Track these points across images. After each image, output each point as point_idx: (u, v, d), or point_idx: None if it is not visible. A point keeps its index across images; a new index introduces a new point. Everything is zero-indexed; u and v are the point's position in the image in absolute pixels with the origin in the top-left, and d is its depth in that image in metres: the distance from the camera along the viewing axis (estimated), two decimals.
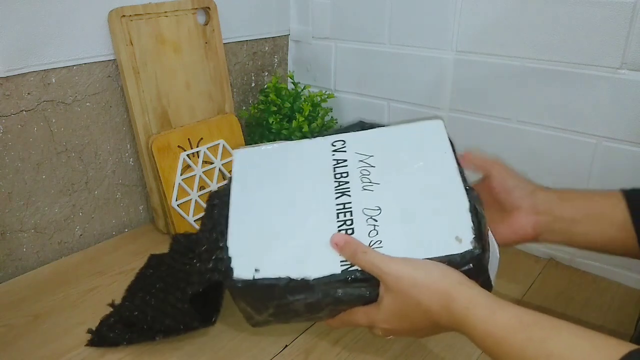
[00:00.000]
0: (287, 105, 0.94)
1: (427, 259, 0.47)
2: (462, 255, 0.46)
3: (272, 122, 0.93)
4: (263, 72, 1.07)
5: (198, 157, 0.86)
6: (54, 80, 0.75)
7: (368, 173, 0.54)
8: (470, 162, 0.59)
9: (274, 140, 0.95)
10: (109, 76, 0.81)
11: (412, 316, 0.46)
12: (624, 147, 0.72)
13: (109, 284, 0.74)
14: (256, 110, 0.98)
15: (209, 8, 0.88)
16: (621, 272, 0.76)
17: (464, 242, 0.47)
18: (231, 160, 0.90)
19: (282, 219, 0.53)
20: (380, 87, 0.97)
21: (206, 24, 0.89)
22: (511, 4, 0.76)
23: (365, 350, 0.62)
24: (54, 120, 0.76)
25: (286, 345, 0.63)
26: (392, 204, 0.51)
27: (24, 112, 0.73)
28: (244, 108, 1.04)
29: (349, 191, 0.53)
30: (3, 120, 0.71)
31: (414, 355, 0.61)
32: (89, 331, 0.63)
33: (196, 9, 0.86)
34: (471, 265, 0.46)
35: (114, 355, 0.61)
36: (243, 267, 0.49)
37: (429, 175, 0.53)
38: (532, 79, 0.77)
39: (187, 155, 0.84)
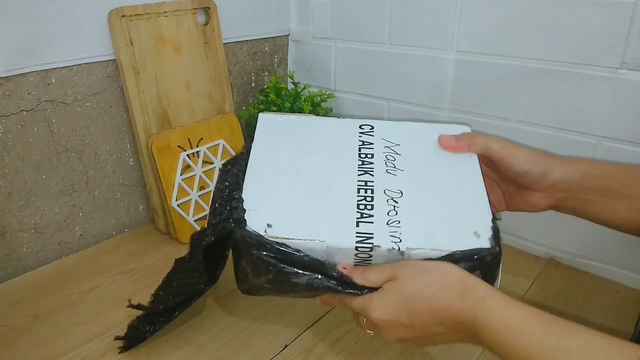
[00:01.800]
0: (287, 105, 0.94)
1: (443, 253, 0.46)
2: (480, 251, 0.46)
3: None
4: (263, 72, 1.07)
5: (198, 157, 0.86)
6: (54, 80, 0.75)
7: (393, 159, 0.54)
8: (468, 148, 0.55)
9: None
10: (109, 76, 0.81)
11: (413, 306, 0.44)
12: (624, 147, 0.72)
13: (109, 284, 0.75)
14: (256, 110, 0.98)
15: (209, 8, 0.88)
16: (621, 272, 0.76)
17: (482, 238, 0.47)
18: None
19: (300, 184, 0.52)
20: (380, 87, 0.97)
21: (206, 24, 0.89)
22: (511, 4, 0.76)
23: (365, 350, 0.62)
24: (54, 120, 0.76)
25: (286, 345, 0.63)
26: (414, 191, 0.51)
27: (24, 112, 0.73)
28: (244, 108, 1.04)
29: (373, 171, 0.53)
30: (3, 120, 0.71)
31: (413, 355, 0.61)
32: (117, 338, 0.61)
33: (196, 9, 0.86)
34: (488, 259, 0.46)
35: (114, 356, 0.61)
36: (256, 221, 0.48)
37: (454, 172, 0.53)
38: (532, 79, 0.77)
39: (187, 155, 0.84)
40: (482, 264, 0.46)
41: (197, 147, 0.86)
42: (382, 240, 0.47)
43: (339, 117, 0.60)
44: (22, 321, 0.67)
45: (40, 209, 0.78)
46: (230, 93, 0.95)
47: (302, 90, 0.98)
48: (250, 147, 0.56)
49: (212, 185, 0.88)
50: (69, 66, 0.76)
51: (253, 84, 1.06)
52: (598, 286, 0.76)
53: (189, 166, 0.85)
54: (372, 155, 0.55)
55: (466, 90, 0.86)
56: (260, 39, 1.03)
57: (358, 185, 0.52)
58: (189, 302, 0.62)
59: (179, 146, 0.84)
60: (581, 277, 0.78)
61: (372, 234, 0.47)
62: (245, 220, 0.48)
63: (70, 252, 0.83)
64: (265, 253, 0.47)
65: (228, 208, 0.50)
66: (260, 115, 0.59)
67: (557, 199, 0.55)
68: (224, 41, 0.93)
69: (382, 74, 0.96)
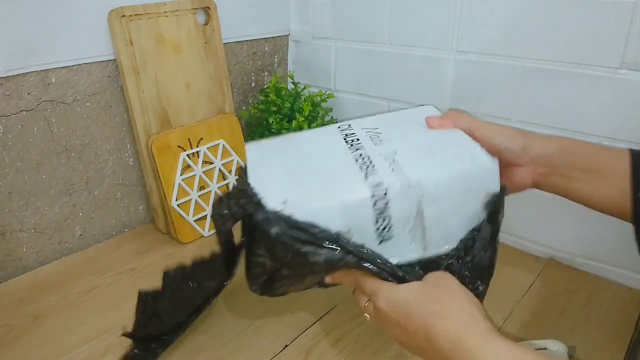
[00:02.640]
0: (287, 105, 0.94)
1: (455, 174, 0.49)
2: (490, 171, 0.50)
3: (272, 122, 0.93)
4: (263, 72, 1.07)
5: (198, 157, 0.86)
6: (54, 80, 0.75)
7: (377, 137, 0.56)
8: (453, 126, 0.57)
9: None
10: (109, 76, 0.81)
11: (414, 319, 0.45)
12: (624, 147, 0.72)
13: (109, 284, 0.75)
14: (256, 110, 0.98)
15: (209, 8, 0.88)
16: (621, 272, 0.76)
17: (480, 156, 0.51)
18: (231, 160, 0.91)
19: (301, 166, 0.53)
20: (380, 87, 0.97)
21: (206, 24, 0.89)
22: (511, 4, 0.76)
23: (365, 350, 0.62)
24: (54, 120, 0.76)
25: (286, 345, 0.63)
26: (407, 149, 0.53)
27: (24, 112, 0.73)
28: (244, 108, 1.04)
29: (362, 147, 0.55)
30: (3, 120, 0.71)
31: (414, 355, 0.61)
32: None
33: (196, 9, 0.86)
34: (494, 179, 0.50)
35: (114, 356, 0.61)
36: (270, 201, 0.48)
37: (437, 134, 0.56)
38: (532, 79, 0.77)
39: (187, 155, 0.84)
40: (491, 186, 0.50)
41: (197, 147, 0.86)
42: (392, 182, 0.48)
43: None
44: (22, 321, 0.67)
45: (40, 209, 0.78)
46: (230, 93, 0.95)
47: (302, 90, 0.98)
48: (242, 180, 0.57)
49: (212, 185, 0.88)
50: (69, 66, 0.76)
51: (253, 84, 1.06)
52: (598, 286, 0.76)
53: (189, 166, 0.85)
54: (358, 139, 0.56)
55: (466, 90, 0.86)
56: (260, 39, 1.03)
57: (354, 157, 0.53)
58: (200, 308, 0.61)
59: (179, 146, 0.84)
60: (581, 277, 0.78)
61: (381, 181, 0.48)
62: (263, 203, 0.48)
63: (70, 252, 0.83)
64: (285, 232, 0.46)
65: (243, 198, 0.50)
66: (247, 146, 0.60)
67: (540, 174, 0.55)
68: (224, 41, 0.93)
69: (382, 74, 0.96)
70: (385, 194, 0.48)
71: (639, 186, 0.52)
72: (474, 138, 0.56)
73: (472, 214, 0.51)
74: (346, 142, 0.56)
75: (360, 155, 0.53)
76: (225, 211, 0.51)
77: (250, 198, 0.48)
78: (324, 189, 0.49)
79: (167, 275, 0.66)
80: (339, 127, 0.60)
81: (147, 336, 0.60)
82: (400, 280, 0.47)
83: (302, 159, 0.55)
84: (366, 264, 0.48)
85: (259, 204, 0.48)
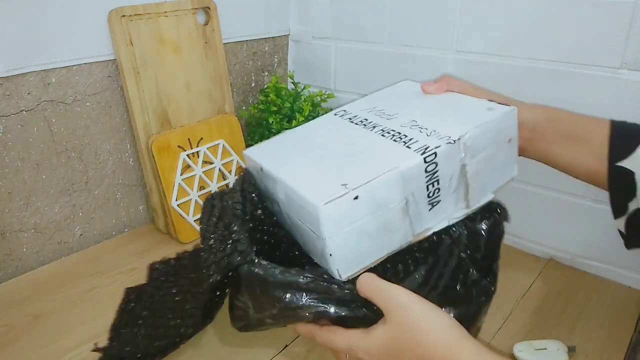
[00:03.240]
0: (287, 105, 0.94)
1: (487, 122, 0.50)
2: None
3: (272, 122, 0.93)
4: (263, 72, 1.07)
5: (198, 157, 0.86)
6: (54, 80, 0.75)
7: (382, 112, 0.56)
8: (439, 89, 0.60)
9: None
10: (109, 76, 0.81)
11: (403, 357, 0.44)
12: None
13: (109, 284, 0.75)
14: (256, 110, 0.98)
15: (209, 8, 0.88)
16: (621, 272, 0.76)
17: (498, 109, 0.52)
18: (231, 160, 0.91)
19: (331, 156, 0.50)
20: (380, 87, 0.97)
21: (206, 24, 0.89)
22: (511, 4, 0.76)
23: None
24: (54, 120, 0.76)
25: (286, 345, 0.63)
26: (422, 114, 0.54)
27: (24, 112, 0.73)
28: (244, 108, 1.04)
29: (378, 124, 0.54)
30: (3, 120, 0.71)
31: None
32: None
33: (196, 9, 0.86)
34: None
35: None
36: (326, 189, 0.45)
37: (440, 100, 0.57)
38: (532, 79, 0.77)
39: (187, 155, 0.84)
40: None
41: (197, 147, 0.86)
42: (436, 144, 0.48)
43: None
44: (22, 321, 0.67)
45: (40, 209, 0.78)
46: (230, 93, 0.95)
47: (302, 90, 0.98)
48: (242, 183, 0.54)
49: (212, 185, 0.88)
50: (69, 66, 0.76)
51: (253, 84, 1.06)
52: (598, 286, 0.76)
53: (189, 166, 0.85)
54: (366, 119, 0.56)
55: None
56: (260, 39, 1.03)
57: (378, 134, 0.52)
58: (173, 345, 0.60)
59: (179, 146, 0.84)
60: (581, 277, 0.78)
61: (426, 144, 0.48)
62: (252, 253, 0.45)
63: (70, 252, 0.83)
64: (274, 284, 0.45)
65: (230, 242, 0.48)
66: (245, 153, 0.57)
67: (524, 139, 0.57)
68: (224, 41, 0.93)
69: (382, 74, 0.96)
70: (435, 155, 0.47)
71: (615, 155, 0.55)
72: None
73: (500, 160, 0.53)
74: (356, 124, 0.55)
75: (383, 130, 0.52)
76: (212, 264, 0.49)
77: (239, 245, 0.47)
78: (374, 166, 0.47)
79: (152, 268, 0.70)
80: (335, 114, 0.58)
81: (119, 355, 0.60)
82: (367, 320, 0.45)
83: (324, 150, 0.52)
84: (355, 313, 0.45)
85: (247, 255, 0.46)
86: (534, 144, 0.58)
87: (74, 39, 0.75)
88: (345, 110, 0.59)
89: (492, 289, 0.50)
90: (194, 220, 0.85)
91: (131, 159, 0.88)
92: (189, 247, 0.84)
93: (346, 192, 0.44)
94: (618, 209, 0.57)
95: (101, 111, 0.82)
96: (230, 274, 0.47)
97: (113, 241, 0.87)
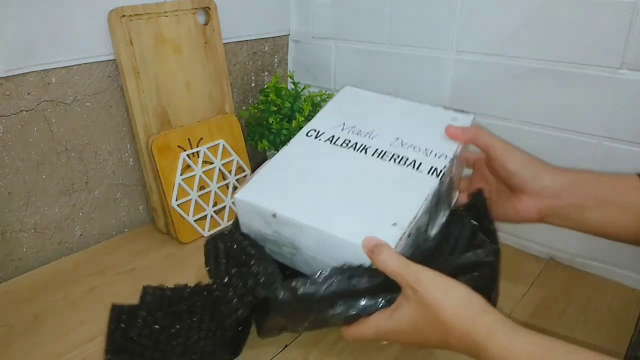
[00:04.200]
0: (287, 105, 0.94)
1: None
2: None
3: (272, 122, 0.93)
4: (263, 72, 1.07)
5: (198, 157, 0.86)
6: (54, 80, 0.75)
7: (355, 127, 0.58)
8: (467, 140, 0.57)
9: (274, 140, 0.95)
10: (109, 76, 0.81)
11: (427, 332, 0.45)
12: (623, 147, 0.72)
13: (109, 284, 0.75)
14: (256, 110, 0.98)
15: (209, 8, 0.88)
16: (621, 272, 0.76)
17: (461, 119, 0.58)
18: (231, 160, 0.91)
19: (354, 194, 0.50)
20: (380, 87, 0.97)
21: (206, 24, 0.89)
22: (511, 4, 0.76)
23: (365, 350, 0.62)
24: (54, 120, 0.76)
25: (286, 345, 0.63)
26: (402, 131, 0.56)
27: (24, 112, 0.73)
28: (244, 108, 1.04)
29: (365, 146, 0.55)
30: (3, 120, 0.71)
31: (414, 356, 0.61)
32: None
33: (196, 9, 0.86)
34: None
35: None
36: (382, 230, 0.46)
37: (407, 116, 0.60)
38: (532, 79, 0.77)
39: (187, 155, 0.84)
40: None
41: (197, 147, 0.86)
42: (442, 164, 0.52)
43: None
44: (22, 321, 0.67)
45: (40, 209, 0.78)
46: (230, 93, 0.95)
47: (302, 90, 0.98)
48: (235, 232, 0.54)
49: (212, 185, 0.88)
50: (69, 66, 0.76)
51: (253, 84, 1.06)
52: (598, 286, 0.76)
53: (189, 166, 0.85)
54: (348, 139, 0.56)
55: (466, 90, 0.86)
56: (260, 39, 1.03)
57: (375, 158, 0.54)
58: None
59: (179, 146, 0.84)
60: (581, 277, 0.78)
61: (432, 166, 0.51)
62: (276, 281, 0.46)
63: (70, 252, 0.83)
64: (301, 305, 0.45)
65: (251, 277, 0.47)
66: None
67: (548, 205, 0.55)
68: (224, 41, 0.93)
69: (382, 74, 0.96)
70: (443, 174, 0.50)
71: None
72: (489, 159, 0.57)
73: (463, 157, 0.59)
74: (343, 147, 0.55)
75: (377, 152, 0.54)
76: (233, 300, 0.48)
77: (257, 280, 0.47)
78: (409, 198, 0.48)
79: (146, 292, 0.66)
80: (308, 135, 0.57)
81: None
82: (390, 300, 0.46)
83: (332, 183, 0.51)
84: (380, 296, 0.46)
85: (266, 285, 0.46)
86: (559, 212, 0.55)
87: (74, 39, 0.75)
88: (316, 131, 0.58)
89: (497, 247, 0.51)
90: (194, 221, 0.85)
91: (131, 159, 0.88)
92: (190, 247, 0.84)
93: (403, 232, 0.45)
94: None
95: (101, 111, 0.82)
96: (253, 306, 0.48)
97: (113, 241, 0.87)
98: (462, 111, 0.59)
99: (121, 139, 0.85)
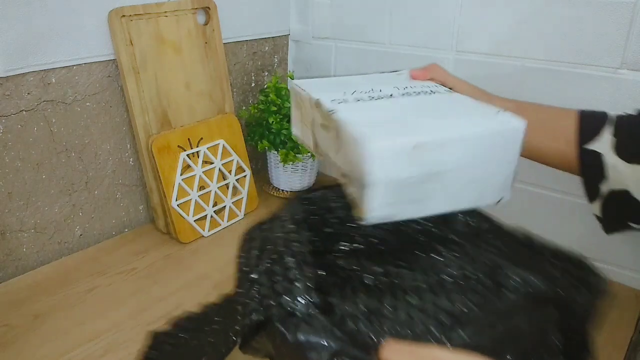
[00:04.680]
0: (287, 105, 0.94)
1: None
2: None
3: (272, 122, 0.93)
4: (263, 72, 1.07)
5: (198, 157, 0.86)
6: (54, 80, 0.75)
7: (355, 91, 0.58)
8: (427, 77, 0.65)
9: (274, 140, 0.95)
10: (109, 76, 0.81)
11: None
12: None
13: (109, 284, 0.75)
14: (256, 110, 0.98)
15: (209, 8, 0.88)
16: (621, 272, 0.76)
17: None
18: (231, 160, 0.91)
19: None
20: None
21: (206, 24, 0.89)
22: (511, 4, 0.76)
23: None
24: (54, 120, 0.76)
25: None
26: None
27: (24, 112, 0.73)
28: (244, 108, 1.04)
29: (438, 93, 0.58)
30: (3, 120, 0.71)
31: None
32: None
33: (196, 9, 0.86)
34: None
35: (114, 356, 0.61)
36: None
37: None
38: (532, 79, 0.77)
39: (187, 155, 0.84)
40: None
41: (197, 147, 0.86)
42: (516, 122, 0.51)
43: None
44: (22, 321, 0.67)
45: (40, 209, 0.78)
46: (230, 93, 0.95)
47: None
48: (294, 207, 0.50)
49: (212, 185, 0.88)
50: (69, 66, 0.76)
51: (253, 84, 1.06)
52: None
53: (188, 166, 0.85)
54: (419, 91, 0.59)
55: None
56: (260, 39, 1.03)
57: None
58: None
59: (179, 146, 0.84)
60: None
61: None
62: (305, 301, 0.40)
63: (70, 252, 0.83)
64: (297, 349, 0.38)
65: (281, 278, 0.42)
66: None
67: None
68: (224, 41, 0.93)
69: None
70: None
71: (583, 138, 0.59)
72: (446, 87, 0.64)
73: None
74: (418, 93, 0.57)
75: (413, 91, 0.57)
76: (253, 300, 0.42)
77: (287, 287, 0.41)
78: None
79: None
80: (343, 102, 0.55)
81: None
82: None
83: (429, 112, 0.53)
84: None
85: (293, 296, 0.40)
86: None
87: (74, 39, 0.75)
88: (335, 99, 0.55)
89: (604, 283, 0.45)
90: (194, 220, 0.85)
91: (131, 159, 0.88)
92: (190, 247, 0.84)
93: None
94: (591, 191, 0.60)
95: (101, 111, 0.82)
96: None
97: (113, 241, 0.87)
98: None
99: (121, 139, 0.85)
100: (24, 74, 0.71)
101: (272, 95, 0.94)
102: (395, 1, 0.89)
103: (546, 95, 0.77)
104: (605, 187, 0.59)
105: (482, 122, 0.49)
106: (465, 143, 0.46)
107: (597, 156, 0.59)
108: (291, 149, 0.94)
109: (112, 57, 0.80)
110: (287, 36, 1.09)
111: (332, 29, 1.01)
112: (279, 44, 1.08)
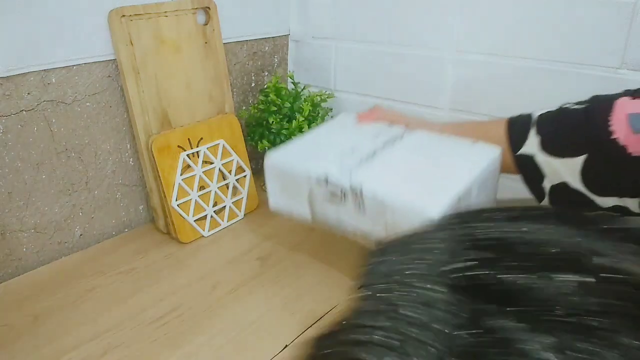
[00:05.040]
0: (287, 105, 0.94)
1: None
2: None
3: (272, 122, 0.93)
4: (263, 72, 1.07)
5: (198, 157, 0.86)
6: (54, 80, 0.75)
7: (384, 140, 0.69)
8: (374, 119, 0.75)
9: (274, 140, 0.95)
10: (109, 76, 0.81)
11: None
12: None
13: (109, 284, 0.75)
14: (256, 110, 0.98)
15: (209, 8, 0.88)
16: None
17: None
18: (231, 160, 0.91)
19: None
20: (380, 87, 0.97)
21: (206, 24, 0.89)
22: (511, 4, 0.76)
23: None
24: (54, 120, 0.76)
25: (286, 345, 0.63)
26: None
27: (24, 112, 0.73)
28: (244, 108, 1.04)
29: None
30: (3, 120, 0.71)
31: None
32: None
33: (196, 9, 0.86)
34: None
35: (114, 356, 0.61)
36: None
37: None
38: (532, 79, 0.77)
39: (187, 155, 0.84)
40: None
41: (197, 147, 0.86)
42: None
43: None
44: (22, 321, 0.67)
45: (40, 209, 0.78)
46: (230, 93, 0.95)
47: (302, 90, 0.98)
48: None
49: (212, 185, 0.88)
50: (69, 66, 0.76)
51: (253, 84, 1.06)
52: None
53: (189, 166, 0.85)
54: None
55: (466, 90, 0.86)
56: (260, 39, 1.03)
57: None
58: None
59: (179, 146, 0.84)
60: None
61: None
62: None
63: (70, 252, 0.83)
64: None
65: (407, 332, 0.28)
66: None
67: None
68: (224, 41, 0.93)
69: (382, 74, 0.96)
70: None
71: (515, 145, 0.64)
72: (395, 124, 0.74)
73: None
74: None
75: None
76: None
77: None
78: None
79: None
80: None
81: None
82: None
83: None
84: None
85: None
86: None
87: (74, 39, 0.75)
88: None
89: None
90: (194, 220, 0.85)
91: (131, 159, 0.88)
92: (190, 247, 0.84)
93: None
94: (536, 192, 0.64)
95: (101, 111, 0.82)
96: None
97: (113, 241, 0.87)
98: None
99: (121, 139, 0.85)
100: (24, 74, 0.71)
101: (272, 95, 0.94)
102: (395, 1, 0.89)
103: (546, 95, 0.77)
104: (547, 184, 0.63)
105: (477, 158, 0.60)
106: (478, 181, 0.56)
107: (529, 158, 0.63)
108: None
109: (112, 57, 0.80)
110: (287, 36, 1.09)
111: (332, 29, 1.01)
112: (279, 44, 1.08)
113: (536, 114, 0.65)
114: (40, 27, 0.71)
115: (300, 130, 0.92)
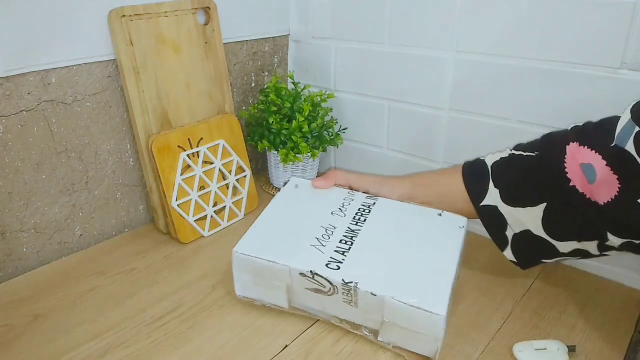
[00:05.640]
0: (287, 105, 0.94)
1: None
2: None
3: (272, 122, 0.93)
4: (263, 72, 1.07)
5: (198, 157, 0.86)
6: (54, 80, 0.75)
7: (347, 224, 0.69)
8: (331, 184, 0.73)
9: (274, 140, 0.95)
10: (109, 76, 0.81)
11: None
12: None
13: (109, 284, 0.75)
14: (256, 110, 0.98)
15: (209, 8, 0.88)
16: (621, 272, 0.76)
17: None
18: (231, 160, 0.91)
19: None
20: (380, 87, 0.97)
21: (206, 24, 0.89)
22: (511, 4, 0.76)
23: (365, 350, 0.62)
24: (54, 120, 0.76)
25: (286, 345, 0.63)
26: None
27: (24, 112, 0.73)
28: (244, 108, 1.05)
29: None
30: (3, 120, 0.71)
31: (410, 357, 0.61)
32: None
33: (196, 9, 0.86)
34: None
35: (114, 356, 0.61)
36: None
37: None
38: (532, 79, 0.77)
39: (187, 155, 0.84)
40: None
41: (197, 147, 0.86)
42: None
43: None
44: (22, 321, 0.67)
45: (40, 209, 0.78)
46: (230, 93, 0.95)
47: (302, 90, 0.98)
48: None
49: (212, 185, 0.88)
50: (69, 66, 0.76)
51: (253, 84, 1.06)
52: (598, 286, 0.76)
53: (189, 166, 0.85)
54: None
55: (466, 90, 0.86)
56: (260, 39, 1.03)
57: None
58: None
59: (179, 146, 0.84)
60: (581, 277, 0.78)
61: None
62: None
63: (70, 252, 0.83)
64: None
65: None
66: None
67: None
68: (224, 41, 0.93)
69: (382, 74, 0.96)
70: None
71: (476, 198, 0.66)
72: (352, 188, 0.74)
73: None
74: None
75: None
76: None
77: None
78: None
79: None
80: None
81: None
82: None
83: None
84: None
85: None
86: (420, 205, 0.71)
87: (74, 39, 0.75)
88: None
89: None
90: (194, 220, 0.85)
91: (131, 159, 0.88)
92: (190, 247, 0.84)
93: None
94: (500, 241, 0.66)
95: (101, 111, 0.82)
96: None
97: (113, 241, 0.87)
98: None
99: (121, 139, 0.85)
100: (24, 74, 0.71)
101: (272, 95, 0.94)
102: (395, 1, 0.89)
103: (546, 95, 0.77)
104: (509, 233, 0.64)
105: (453, 242, 0.63)
106: (458, 262, 0.61)
107: (493, 209, 0.64)
108: (291, 149, 0.94)
109: (112, 57, 0.80)
110: (287, 36, 1.09)
111: (332, 29, 1.01)
112: (279, 44, 1.08)
113: (488, 161, 0.67)
114: (41, 27, 0.71)
115: (300, 130, 0.93)
